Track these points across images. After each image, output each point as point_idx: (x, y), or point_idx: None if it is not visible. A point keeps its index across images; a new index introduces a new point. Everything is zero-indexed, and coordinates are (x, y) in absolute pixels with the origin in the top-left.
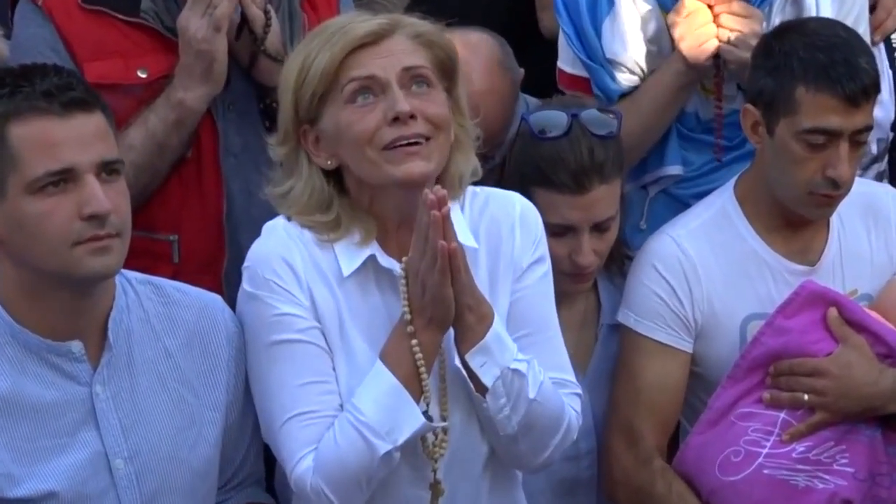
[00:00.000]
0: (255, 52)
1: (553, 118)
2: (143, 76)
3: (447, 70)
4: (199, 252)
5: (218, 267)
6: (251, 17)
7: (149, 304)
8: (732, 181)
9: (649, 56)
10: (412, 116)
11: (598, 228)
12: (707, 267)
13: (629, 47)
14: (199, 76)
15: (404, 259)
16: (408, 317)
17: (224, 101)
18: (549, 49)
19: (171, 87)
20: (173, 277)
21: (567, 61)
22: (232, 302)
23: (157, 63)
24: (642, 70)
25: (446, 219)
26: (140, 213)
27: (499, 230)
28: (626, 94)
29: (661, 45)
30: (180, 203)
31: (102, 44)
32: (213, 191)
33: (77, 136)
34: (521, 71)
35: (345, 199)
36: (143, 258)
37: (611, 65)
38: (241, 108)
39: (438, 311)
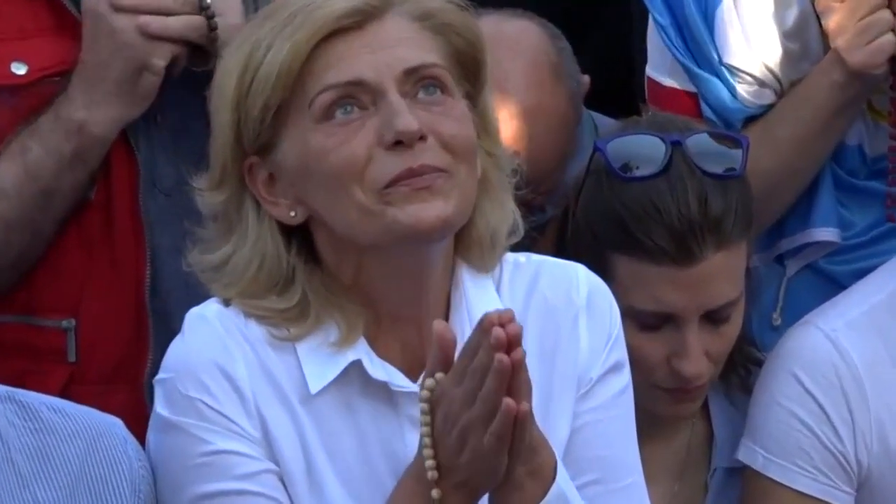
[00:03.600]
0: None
1: (643, 147)
2: (21, 73)
3: (469, 68)
4: (109, 346)
5: (138, 369)
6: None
7: (10, 432)
8: None
9: (788, 59)
10: (422, 137)
11: (713, 319)
12: (879, 379)
13: (757, 46)
14: (114, 87)
15: (428, 382)
16: (434, 474)
17: (148, 111)
18: (629, 42)
19: (64, 100)
20: (67, 387)
21: (662, 68)
22: None
23: (45, 51)
24: (778, 81)
25: (519, 366)
26: (18, 290)
27: (556, 323)
28: (755, 117)
29: (807, 42)
30: (80, 272)
31: None
32: (129, 252)
33: None
34: (586, 78)
35: (314, 271)
36: (21, 357)
37: (729, 73)
38: (175, 121)
39: (479, 479)
